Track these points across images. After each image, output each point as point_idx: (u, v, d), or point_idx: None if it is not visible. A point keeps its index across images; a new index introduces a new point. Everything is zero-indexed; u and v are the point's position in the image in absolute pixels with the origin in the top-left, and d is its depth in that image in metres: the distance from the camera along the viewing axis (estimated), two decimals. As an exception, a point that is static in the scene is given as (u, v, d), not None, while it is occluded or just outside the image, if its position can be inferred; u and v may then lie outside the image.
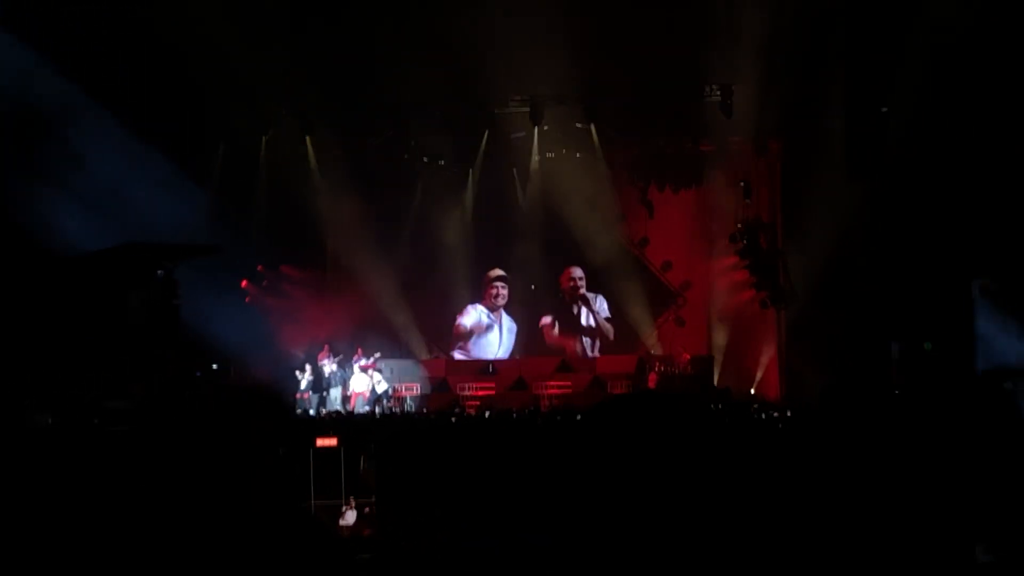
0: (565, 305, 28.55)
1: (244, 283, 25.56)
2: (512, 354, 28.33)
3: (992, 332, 20.81)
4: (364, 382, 25.23)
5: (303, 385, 25.02)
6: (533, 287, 28.05)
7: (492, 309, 28.46)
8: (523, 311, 28.48)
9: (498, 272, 28.20)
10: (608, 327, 28.34)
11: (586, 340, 28.48)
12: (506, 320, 28.56)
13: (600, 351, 28.18)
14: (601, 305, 28.39)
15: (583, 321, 28.51)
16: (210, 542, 2.18)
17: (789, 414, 19.95)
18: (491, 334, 28.47)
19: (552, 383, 26.21)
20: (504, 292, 28.39)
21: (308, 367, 25.26)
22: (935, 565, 2.48)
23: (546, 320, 28.48)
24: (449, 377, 26.95)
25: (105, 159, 21.03)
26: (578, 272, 28.35)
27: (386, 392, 25.25)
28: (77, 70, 21.31)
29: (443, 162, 27.34)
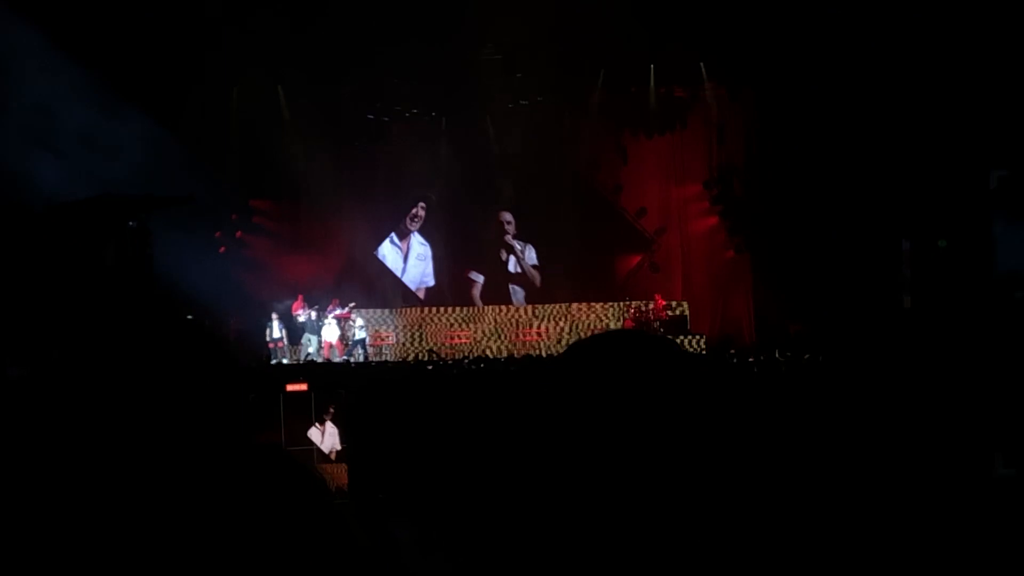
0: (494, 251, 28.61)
1: (218, 233, 25.50)
2: (425, 282, 28.60)
3: (1011, 232, 20.10)
4: (337, 332, 25.23)
5: (275, 334, 24.99)
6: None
7: (402, 236, 28.54)
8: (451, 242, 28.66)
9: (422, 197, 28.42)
10: (534, 274, 28.43)
11: (513, 288, 28.52)
12: (416, 244, 28.62)
13: (526, 299, 28.25)
14: (530, 254, 28.46)
15: (510, 268, 28.58)
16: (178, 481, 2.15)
17: (763, 358, 20.12)
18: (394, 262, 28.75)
19: (529, 330, 26.30)
20: (422, 214, 28.41)
21: (276, 316, 25.20)
22: (954, 481, 2.46)
23: (475, 278, 28.63)
24: (426, 327, 26.95)
25: (75, 109, 20.84)
26: (508, 216, 28.34)
27: (364, 340, 25.24)
28: (45, 18, 21.07)
29: (417, 110, 27.23)
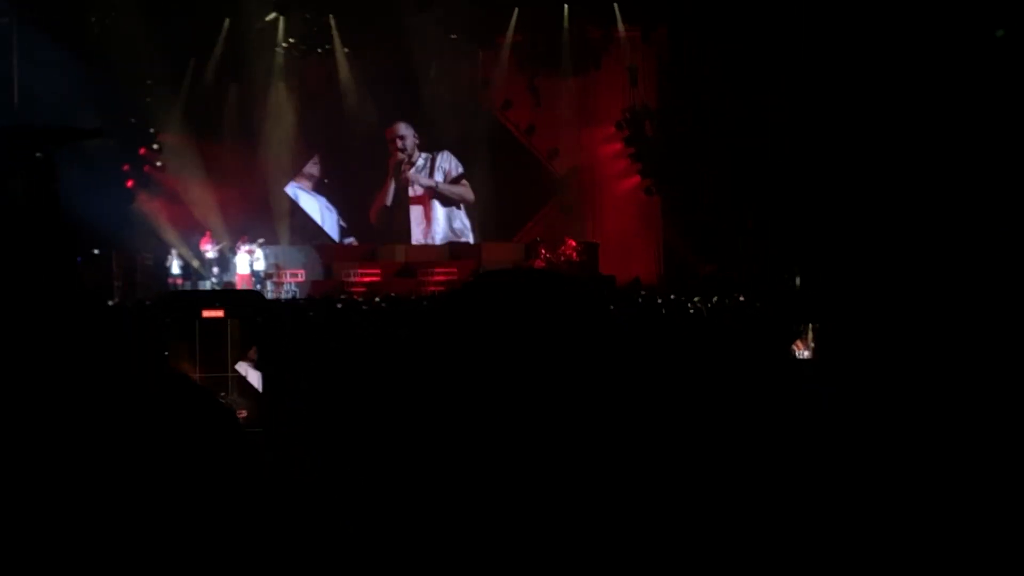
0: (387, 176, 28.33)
1: (126, 167, 25.09)
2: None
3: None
4: (246, 263, 24.94)
5: (174, 270, 24.61)
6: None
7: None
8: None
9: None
10: (459, 191, 28.51)
11: (416, 216, 28.48)
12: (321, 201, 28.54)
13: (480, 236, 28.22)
14: (446, 163, 28.43)
15: (412, 192, 28.43)
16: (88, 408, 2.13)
17: (673, 298, 20.28)
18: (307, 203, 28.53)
19: (439, 269, 26.24)
20: (316, 172, 28.24)
21: (175, 252, 24.86)
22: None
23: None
24: (335, 264, 26.76)
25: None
26: (403, 129, 28.10)
27: (263, 271, 24.96)
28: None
29: (329, 46, 26.97)
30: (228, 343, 3.13)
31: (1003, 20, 19.15)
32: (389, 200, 28.02)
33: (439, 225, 28.23)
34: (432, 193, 28.18)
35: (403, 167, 27.99)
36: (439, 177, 28.19)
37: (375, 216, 28.07)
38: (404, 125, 27.78)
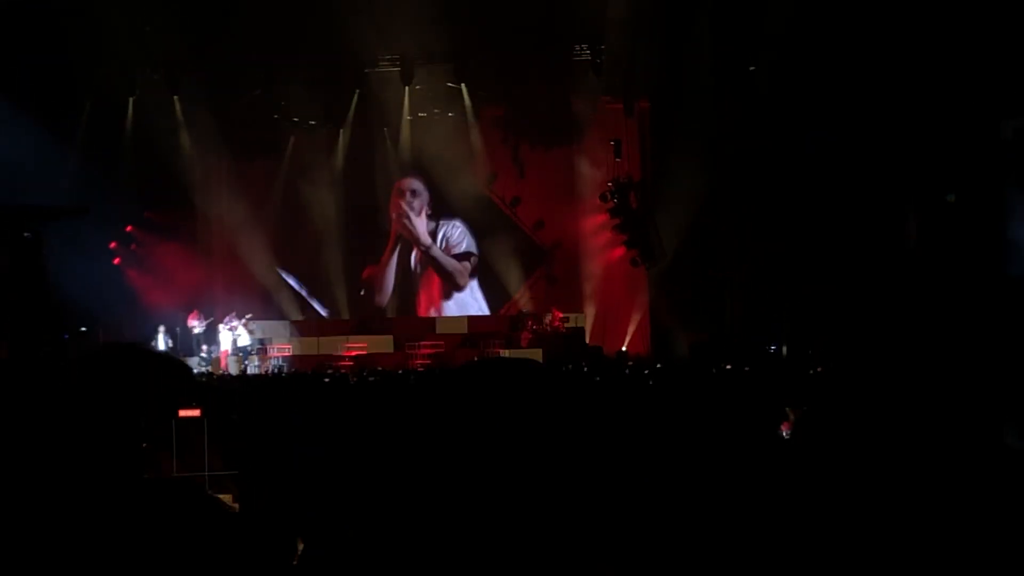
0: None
1: (113, 244, 25.21)
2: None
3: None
4: (228, 340, 24.98)
5: (161, 347, 24.55)
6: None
7: None
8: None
9: None
10: (453, 266, 28.29)
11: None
12: None
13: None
14: (452, 232, 28.34)
15: (413, 266, 28.33)
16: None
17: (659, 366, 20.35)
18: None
19: (425, 343, 26.26)
20: None
21: (162, 329, 24.87)
22: (959, 453, 2.47)
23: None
24: (321, 338, 26.76)
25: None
26: (415, 183, 28.00)
27: (249, 347, 24.98)
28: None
29: (313, 122, 27.17)
30: (206, 441, 3.11)
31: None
32: (392, 264, 28.07)
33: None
34: (425, 256, 28.05)
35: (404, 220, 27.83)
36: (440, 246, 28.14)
37: (369, 278, 28.08)
38: (419, 181, 27.78)
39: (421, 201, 27.89)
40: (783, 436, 8.00)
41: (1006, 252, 18.74)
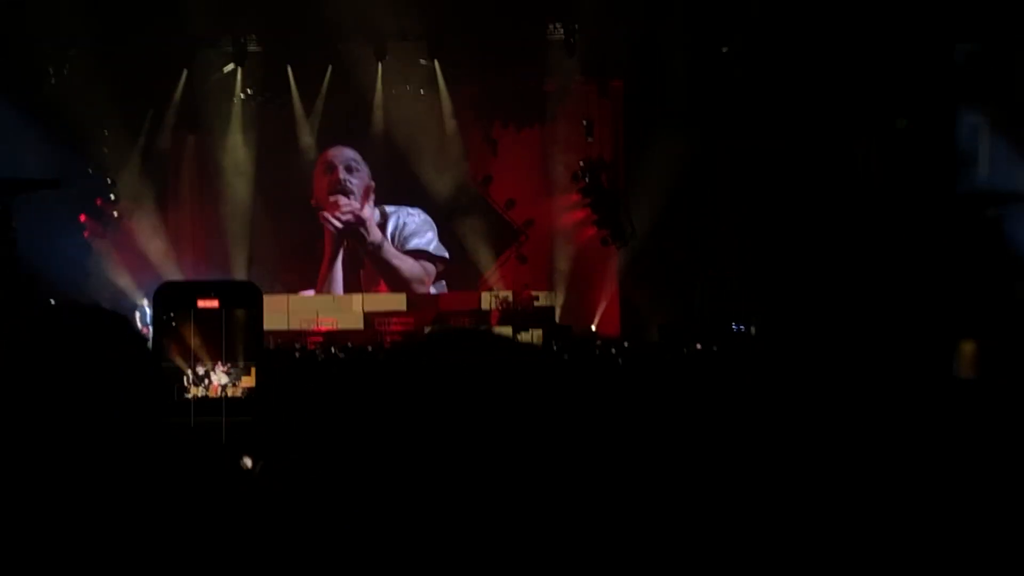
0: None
1: (83, 217, 25.09)
2: None
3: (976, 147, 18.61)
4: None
5: (147, 320, 24.52)
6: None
7: None
8: None
9: None
10: (408, 268, 27.45)
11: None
12: None
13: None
14: (405, 219, 27.66)
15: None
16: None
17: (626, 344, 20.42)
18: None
19: (396, 319, 26.24)
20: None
21: (145, 302, 24.80)
22: (914, 385, 2.48)
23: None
24: (292, 313, 26.68)
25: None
26: (346, 156, 27.06)
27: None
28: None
29: (283, 98, 27.07)
30: (223, 334, 3.13)
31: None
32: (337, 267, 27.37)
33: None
34: (372, 255, 27.06)
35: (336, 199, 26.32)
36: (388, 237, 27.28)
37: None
38: (353, 152, 26.88)
39: (361, 180, 27.07)
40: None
41: (957, 174, 19.12)
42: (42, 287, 20.92)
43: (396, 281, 27.25)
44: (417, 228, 27.44)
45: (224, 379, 3.11)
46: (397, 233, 27.41)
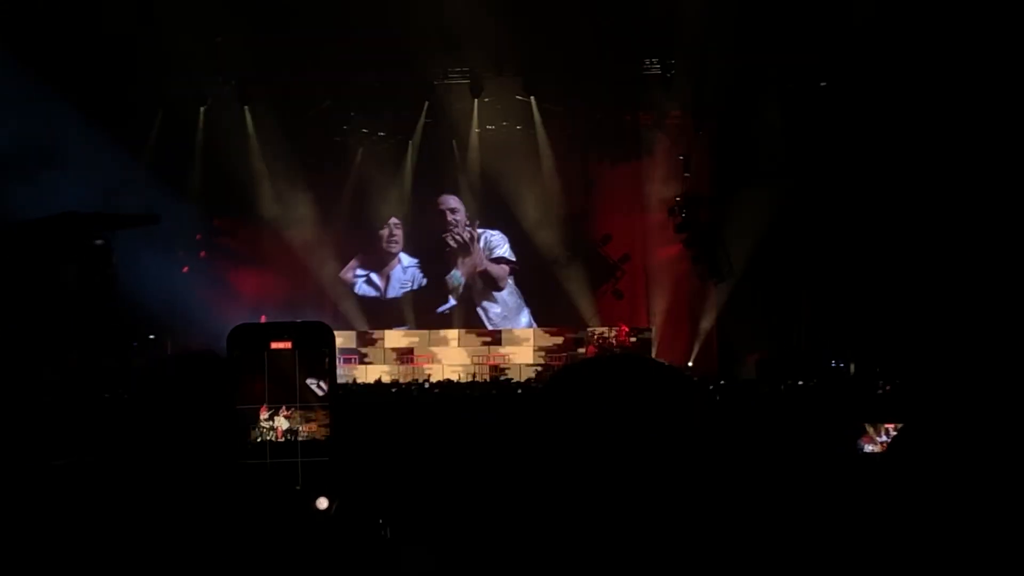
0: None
1: (181, 253, 25.48)
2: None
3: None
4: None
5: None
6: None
7: (380, 267, 28.31)
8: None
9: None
10: (498, 271, 28.10)
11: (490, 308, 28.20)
12: (399, 268, 28.31)
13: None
14: (496, 243, 28.15)
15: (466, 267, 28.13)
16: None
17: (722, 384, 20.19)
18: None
19: (496, 354, 26.39)
20: (398, 233, 28.02)
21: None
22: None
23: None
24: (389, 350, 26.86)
25: (42, 130, 20.77)
26: (451, 202, 27.92)
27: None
28: (11, 37, 21.02)
29: (382, 134, 27.28)
30: (296, 375, 3.12)
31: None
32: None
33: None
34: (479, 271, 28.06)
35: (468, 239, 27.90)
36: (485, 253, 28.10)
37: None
38: (454, 198, 27.86)
39: (460, 216, 27.81)
40: (864, 450, 7.86)
41: None
42: (141, 321, 21.23)
43: (485, 278, 27.87)
44: (497, 242, 27.95)
45: (297, 419, 3.07)
46: (484, 246, 27.94)
